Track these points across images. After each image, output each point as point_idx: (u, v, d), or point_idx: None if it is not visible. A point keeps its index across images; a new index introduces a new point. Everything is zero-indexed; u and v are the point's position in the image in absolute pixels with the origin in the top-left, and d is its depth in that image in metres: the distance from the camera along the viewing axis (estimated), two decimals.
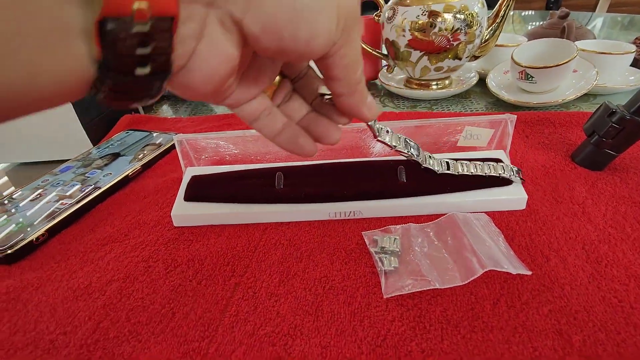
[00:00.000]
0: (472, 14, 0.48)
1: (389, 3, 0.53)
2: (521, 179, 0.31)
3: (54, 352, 0.22)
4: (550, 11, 0.73)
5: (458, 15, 0.48)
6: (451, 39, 0.49)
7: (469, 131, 0.35)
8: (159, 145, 0.43)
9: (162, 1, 0.13)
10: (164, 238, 0.30)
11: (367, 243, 0.27)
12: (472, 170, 0.31)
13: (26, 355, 0.22)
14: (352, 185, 0.31)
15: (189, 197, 0.32)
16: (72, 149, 0.45)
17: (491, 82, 0.53)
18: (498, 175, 0.30)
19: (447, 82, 0.57)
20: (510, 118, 0.33)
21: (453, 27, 0.48)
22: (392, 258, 0.25)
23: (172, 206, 0.32)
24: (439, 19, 0.47)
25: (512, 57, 0.49)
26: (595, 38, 0.61)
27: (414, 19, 0.49)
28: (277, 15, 0.15)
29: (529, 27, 0.96)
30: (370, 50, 0.58)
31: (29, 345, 0.22)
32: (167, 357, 0.21)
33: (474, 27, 0.49)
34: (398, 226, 0.28)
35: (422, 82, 0.56)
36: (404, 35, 0.50)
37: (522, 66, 0.48)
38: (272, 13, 0.15)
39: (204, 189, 0.33)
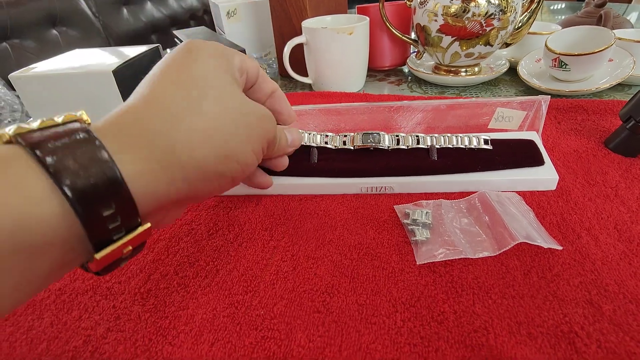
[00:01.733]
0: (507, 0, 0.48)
1: None
2: (490, 147, 0.32)
3: (111, 297, 0.24)
4: (586, 0, 0.71)
5: (492, 1, 0.47)
6: (484, 25, 0.48)
7: (501, 112, 0.35)
8: None
9: (140, 235, 0.16)
10: (205, 204, 0.32)
11: (399, 216, 0.28)
12: (441, 143, 0.33)
13: (87, 299, 0.24)
14: (384, 162, 0.32)
15: None
16: None
17: (522, 70, 0.53)
18: (465, 147, 0.32)
19: (476, 69, 0.56)
20: (544, 99, 0.33)
21: (487, 13, 0.47)
22: (424, 230, 0.26)
23: None
24: (473, 4, 0.47)
25: (545, 44, 0.49)
26: (633, 26, 0.59)
27: (447, 3, 0.48)
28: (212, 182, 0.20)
29: (558, 19, 0.93)
30: (400, 36, 0.58)
31: (89, 291, 0.24)
32: (214, 307, 0.23)
33: (508, 13, 0.48)
34: (430, 201, 0.29)
35: (452, 69, 0.56)
36: (435, 20, 0.50)
37: (556, 53, 0.47)
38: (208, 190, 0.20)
39: None
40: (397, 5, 0.58)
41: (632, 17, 0.95)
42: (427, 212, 0.27)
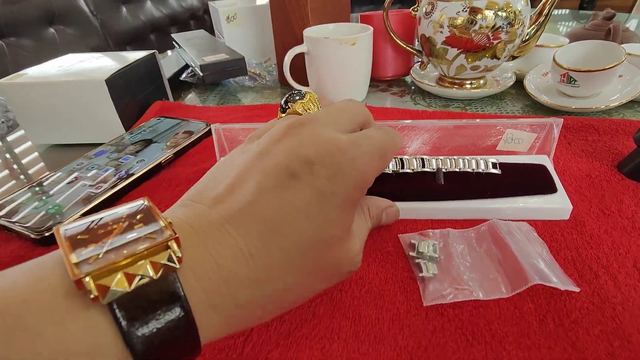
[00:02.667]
0: (515, 11, 0.46)
1: None
2: (499, 171, 0.30)
3: None
4: (593, 12, 0.69)
5: (500, 13, 0.46)
6: (491, 37, 0.47)
7: (510, 134, 0.33)
8: (191, 133, 0.43)
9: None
10: None
11: (404, 246, 0.27)
12: (448, 166, 0.31)
13: None
14: (388, 185, 0.31)
15: None
16: (105, 133, 0.45)
17: (529, 84, 0.51)
18: (472, 170, 0.30)
19: (481, 81, 0.55)
20: (556, 122, 0.31)
21: (495, 25, 0.46)
22: (431, 264, 0.24)
23: None
24: (480, 16, 0.46)
25: (554, 59, 0.47)
26: None
27: (454, 15, 0.47)
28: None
29: (560, 27, 0.92)
30: (404, 46, 0.57)
31: None
32: (202, 353, 0.21)
33: (516, 26, 0.47)
34: (436, 230, 0.28)
35: (456, 81, 0.54)
36: (441, 32, 0.49)
37: (564, 68, 0.46)
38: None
39: None
40: (402, 14, 0.57)
41: (632, 24, 0.93)
42: (434, 244, 0.26)
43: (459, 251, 0.26)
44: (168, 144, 0.41)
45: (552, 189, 0.30)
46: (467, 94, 0.53)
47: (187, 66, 0.68)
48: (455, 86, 0.54)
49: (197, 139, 0.43)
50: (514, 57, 0.52)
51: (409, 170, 0.31)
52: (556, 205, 0.29)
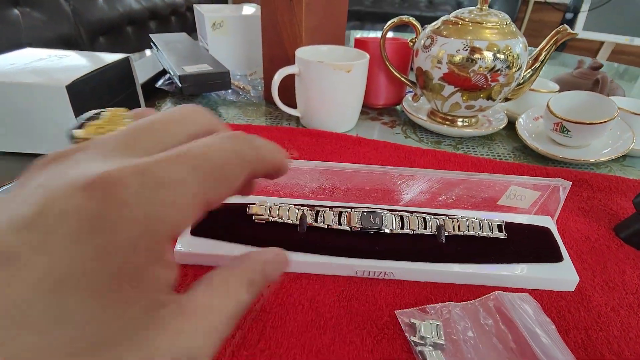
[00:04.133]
0: (514, 55, 0.45)
1: (426, 30, 0.49)
2: (505, 235, 0.28)
3: None
4: (579, 58, 0.71)
5: (499, 55, 0.45)
6: (489, 79, 0.46)
7: (514, 190, 0.32)
8: None
9: None
10: None
11: (402, 325, 0.24)
12: (450, 229, 0.28)
13: None
14: (385, 242, 0.28)
15: (197, 231, 0.28)
16: (64, 145, 0.39)
17: (521, 130, 0.50)
18: (477, 234, 0.28)
19: (473, 120, 0.54)
20: (564, 185, 0.30)
21: (494, 67, 0.45)
22: (436, 352, 0.21)
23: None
24: (478, 56, 0.44)
25: (548, 107, 0.47)
26: (624, 94, 0.59)
27: (453, 52, 0.45)
28: None
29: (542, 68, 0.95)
30: (399, 76, 0.55)
31: None
32: None
33: (513, 69, 0.46)
34: (437, 305, 0.25)
35: (448, 117, 0.53)
36: (439, 68, 0.47)
37: (559, 118, 0.45)
38: None
39: (214, 223, 0.28)
40: (398, 43, 0.55)
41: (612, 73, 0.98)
42: (437, 326, 0.23)
43: (466, 335, 0.23)
44: None
45: (558, 258, 0.28)
46: (459, 133, 0.52)
47: (164, 71, 0.62)
48: (447, 122, 0.53)
49: None
50: (507, 99, 0.52)
51: (408, 232, 0.28)
52: (563, 276, 0.27)
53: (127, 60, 0.47)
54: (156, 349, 0.11)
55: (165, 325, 0.12)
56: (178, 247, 0.27)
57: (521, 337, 0.22)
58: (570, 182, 0.29)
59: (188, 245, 0.27)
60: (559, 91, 0.54)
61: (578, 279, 0.27)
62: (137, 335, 0.11)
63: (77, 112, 0.39)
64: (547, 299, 0.26)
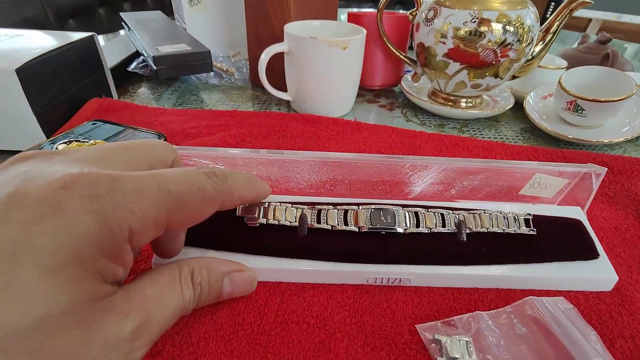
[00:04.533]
0: (525, 27, 0.41)
1: (429, 1, 0.45)
2: (533, 230, 0.25)
3: None
4: (582, 33, 0.68)
5: (509, 28, 0.41)
6: (499, 54, 0.42)
7: (539, 179, 0.28)
8: None
9: None
10: None
11: (425, 342, 0.20)
12: (472, 225, 0.24)
13: None
14: (398, 244, 0.24)
15: None
16: (18, 139, 0.34)
17: (530, 109, 0.47)
18: (502, 231, 0.24)
19: (478, 100, 0.50)
20: (597, 171, 0.26)
21: (504, 41, 0.41)
22: None
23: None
24: (486, 28, 0.40)
25: (560, 84, 0.43)
26: (633, 69, 0.56)
27: (460, 25, 0.41)
28: None
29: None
30: (396, 53, 0.50)
31: None
32: None
33: (524, 44, 0.42)
34: (463, 317, 0.21)
35: (451, 98, 0.49)
36: (443, 43, 0.43)
37: (573, 96, 0.42)
38: None
39: (199, 230, 0.24)
40: (396, 17, 0.50)
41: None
42: (467, 343, 0.19)
43: (496, 344, 0.20)
44: None
45: (593, 254, 0.24)
46: (463, 114, 0.48)
47: (138, 54, 0.56)
48: (450, 103, 0.49)
49: None
50: (514, 77, 0.48)
51: (424, 230, 0.24)
52: (600, 275, 0.24)
53: (91, 39, 0.41)
54: (98, 331, 0.12)
55: (110, 309, 0.13)
56: (154, 261, 0.23)
57: (563, 349, 0.19)
58: (605, 169, 0.26)
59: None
60: (567, 68, 0.51)
61: (617, 278, 0.24)
62: (82, 317, 0.12)
63: (32, 99, 0.33)
64: (583, 303, 0.23)
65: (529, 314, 0.21)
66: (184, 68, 0.45)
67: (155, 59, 0.43)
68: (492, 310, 0.22)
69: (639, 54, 0.84)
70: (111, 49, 0.57)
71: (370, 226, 0.24)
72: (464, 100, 0.49)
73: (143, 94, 0.50)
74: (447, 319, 0.21)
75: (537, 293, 0.23)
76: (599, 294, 0.24)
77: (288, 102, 0.49)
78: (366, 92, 0.55)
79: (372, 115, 0.49)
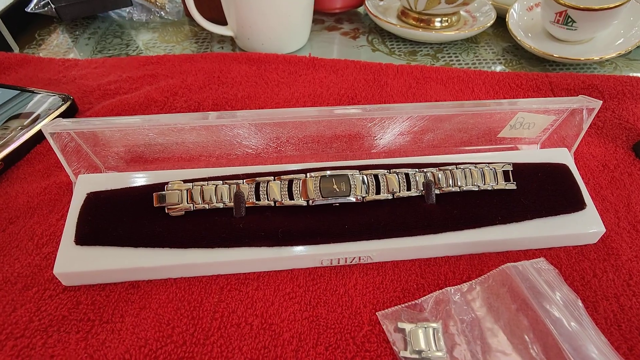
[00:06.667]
0: None
1: None
2: (514, 184, 0.21)
3: None
4: None
5: None
6: None
7: (521, 118, 0.24)
8: (36, 118, 0.27)
9: None
10: (45, 318, 0.18)
11: (388, 335, 0.17)
12: (441, 183, 0.21)
13: None
14: (356, 216, 0.20)
15: (82, 239, 0.19)
16: None
17: (514, 25, 0.40)
18: (478, 188, 0.21)
19: (454, 18, 0.43)
20: (589, 105, 0.22)
21: None
22: None
23: (57, 247, 0.19)
24: None
25: None
26: None
27: None
28: None
29: None
30: None
31: None
32: None
33: None
34: (428, 297, 0.18)
35: (423, 17, 0.42)
36: None
37: (564, 5, 0.35)
38: None
39: (108, 222, 0.19)
40: None
41: None
42: (434, 330, 0.17)
43: (473, 334, 0.17)
44: None
45: (580, 206, 0.21)
46: (437, 37, 0.41)
47: None
48: (422, 24, 0.42)
49: None
50: None
51: (387, 196, 0.20)
52: (585, 229, 0.21)
53: None
54: None
55: None
56: (57, 269, 0.18)
57: (542, 324, 0.17)
58: (600, 102, 0.21)
59: (72, 263, 0.18)
60: None
61: (604, 230, 0.21)
62: None
63: None
64: (565, 261, 0.21)
65: (504, 284, 0.19)
66: (93, 3, 0.36)
67: None
68: (464, 284, 0.19)
69: None
70: None
71: (322, 197, 0.20)
72: (439, 19, 0.42)
73: (53, 41, 0.41)
74: (413, 302, 0.18)
75: (515, 255, 0.21)
76: (582, 249, 0.21)
77: (232, 38, 0.41)
78: (325, 17, 0.47)
79: (334, 46, 0.42)
